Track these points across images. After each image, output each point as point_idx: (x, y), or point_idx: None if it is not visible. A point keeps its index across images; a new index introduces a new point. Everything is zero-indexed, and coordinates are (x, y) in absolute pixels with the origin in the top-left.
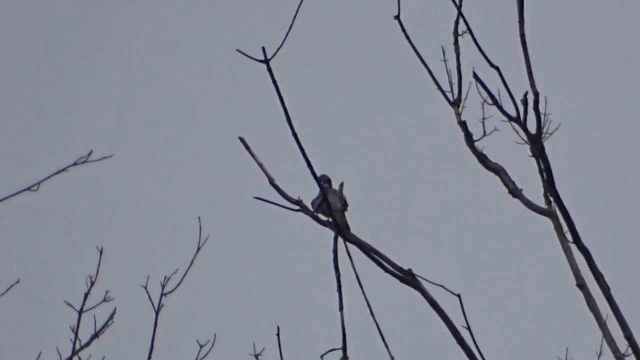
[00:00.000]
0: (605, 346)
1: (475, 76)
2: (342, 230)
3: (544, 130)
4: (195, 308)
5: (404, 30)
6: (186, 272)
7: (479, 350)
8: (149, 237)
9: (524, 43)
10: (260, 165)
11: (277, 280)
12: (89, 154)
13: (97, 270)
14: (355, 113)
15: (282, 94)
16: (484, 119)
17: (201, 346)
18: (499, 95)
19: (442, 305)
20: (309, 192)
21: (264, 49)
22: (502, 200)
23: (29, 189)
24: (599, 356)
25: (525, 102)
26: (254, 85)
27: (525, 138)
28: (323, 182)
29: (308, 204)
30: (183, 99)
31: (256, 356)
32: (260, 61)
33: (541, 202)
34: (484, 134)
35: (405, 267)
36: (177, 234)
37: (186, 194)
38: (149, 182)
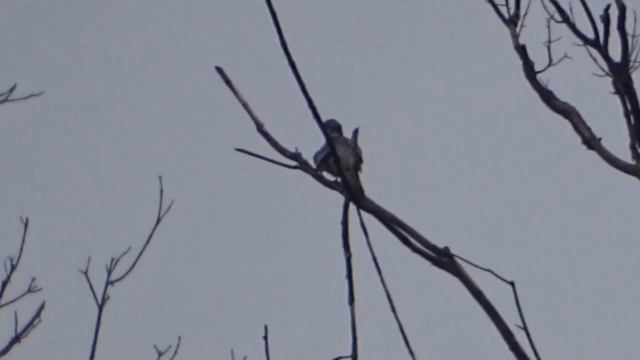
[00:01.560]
0: None
1: None
2: (355, 194)
3: (632, 58)
4: (152, 301)
5: None
6: (141, 253)
7: (538, 358)
8: (89, 204)
9: None
10: (245, 105)
11: (265, 263)
12: (12, 90)
13: (21, 250)
14: (373, 34)
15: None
16: (549, 42)
17: (160, 353)
18: (570, 10)
19: (490, 297)
20: (311, 144)
21: None
22: (574, 152)
23: None
24: None
25: (606, 19)
26: None
27: (607, 68)
28: (330, 128)
29: (309, 158)
30: (139, 15)
31: None
32: None
33: (627, 156)
34: (550, 63)
35: (440, 245)
36: (130, 199)
37: (142, 144)
38: (92, 127)
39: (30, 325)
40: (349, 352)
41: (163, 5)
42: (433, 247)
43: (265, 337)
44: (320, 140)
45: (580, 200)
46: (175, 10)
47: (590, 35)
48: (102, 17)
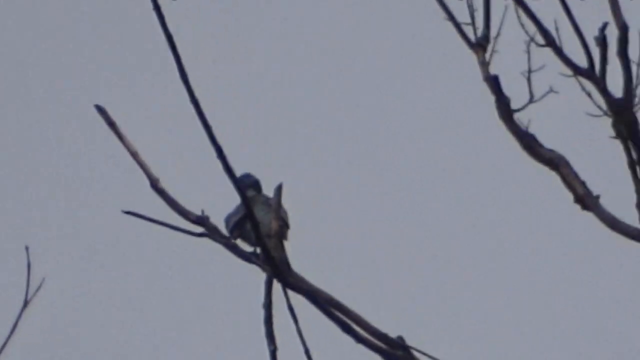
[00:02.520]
0: None
1: None
2: (279, 269)
3: (637, 93)
4: None
5: None
6: (4, 345)
7: None
8: None
9: None
10: (134, 154)
11: (164, 355)
12: None
13: None
14: (301, 61)
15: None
16: (530, 72)
17: None
18: (556, 30)
19: None
20: (222, 205)
21: None
22: (565, 214)
23: None
24: None
25: (603, 42)
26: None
27: (604, 106)
28: (246, 185)
29: (219, 223)
30: None
31: None
32: None
33: (632, 218)
34: (531, 99)
35: (393, 334)
36: None
37: (3, 203)
38: None
39: None
40: None
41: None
42: (383, 337)
43: None
44: (234, 200)
45: (571, 273)
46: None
47: (583, 63)
48: None
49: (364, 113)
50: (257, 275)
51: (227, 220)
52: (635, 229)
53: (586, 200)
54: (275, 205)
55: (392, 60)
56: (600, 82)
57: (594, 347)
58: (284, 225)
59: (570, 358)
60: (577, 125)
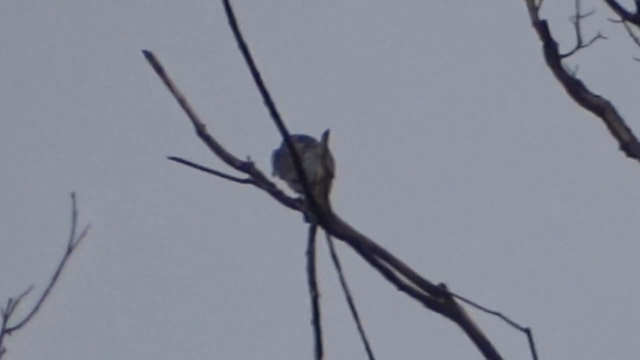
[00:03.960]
0: None
1: None
2: (324, 216)
3: None
4: (60, 355)
5: None
6: (46, 293)
7: None
8: None
9: None
10: (182, 101)
11: (207, 305)
12: None
13: None
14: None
15: None
16: (578, 17)
17: None
18: None
19: (498, 348)
20: (267, 152)
21: None
22: (609, 160)
23: None
24: None
25: None
26: None
27: None
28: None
29: (264, 169)
30: None
31: None
32: None
33: None
34: (579, 45)
35: (435, 282)
36: (32, 222)
37: (47, 151)
38: None
39: None
40: None
41: None
42: (426, 284)
43: None
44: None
45: (616, 223)
46: None
47: (632, 8)
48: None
49: (407, 59)
50: (301, 222)
51: (275, 159)
52: None
53: (632, 146)
54: (323, 150)
55: (440, 7)
56: None
57: None
58: (329, 175)
59: (623, 313)
60: (624, 71)
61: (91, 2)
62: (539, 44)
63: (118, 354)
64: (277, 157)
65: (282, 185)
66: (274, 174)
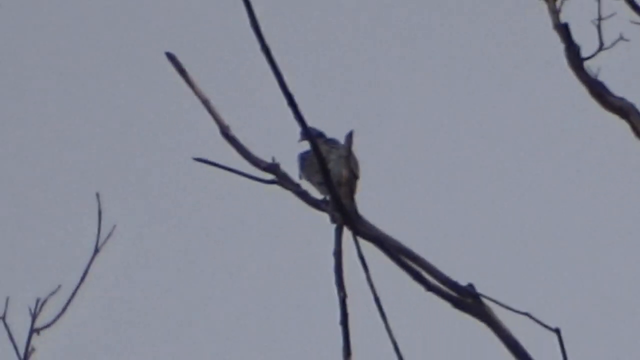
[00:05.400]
0: None
1: None
2: (350, 217)
3: None
4: (88, 355)
5: None
6: (74, 293)
7: None
8: (6, 229)
9: None
10: (206, 102)
11: (235, 305)
12: None
13: None
14: (371, 15)
15: None
16: (600, 19)
17: None
18: None
19: (528, 349)
20: (290, 153)
21: None
22: (634, 163)
23: None
24: None
25: None
26: None
27: None
28: (314, 135)
29: (289, 170)
30: None
31: None
32: None
33: None
34: (601, 47)
35: (463, 282)
36: (58, 222)
37: (72, 151)
38: (6, 129)
39: None
40: None
41: None
42: (454, 285)
43: None
44: (304, 149)
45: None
46: None
47: None
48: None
49: (431, 61)
50: (327, 223)
51: (301, 161)
52: None
53: None
54: (346, 153)
55: (463, 10)
56: None
57: None
58: (354, 176)
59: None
60: None
61: (115, 5)
62: (561, 47)
63: (144, 355)
64: (303, 160)
65: (307, 186)
66: (300, 177)
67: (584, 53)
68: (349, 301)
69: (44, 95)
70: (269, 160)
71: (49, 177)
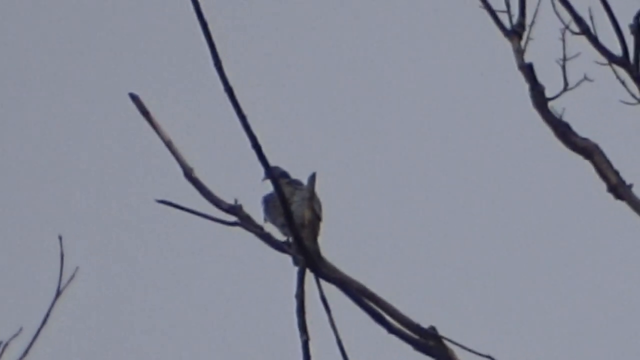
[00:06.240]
0: None
1: None
2: (313, 258)
3: None
4: None
5: None
6: (36, 336)
7: None
8: None
9: None
10: (168, 144)
11: (197, 349)
12: None
13: None
14: (333, 50)
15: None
16: (564, 60)
17: None
18: (591, 19)
19: None
20: (253, 195)
21: None
22: (597, 202)
23: None
24: None
25: (637, 29)
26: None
27: (639, 94)
28: (277, 176)
29: (251, 212)
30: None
31: None
32: None
33: None
34: (566, 87)
35: (425, 325)
36: (21, 266)
37: (37, 194)
38: None
39: None
40: None
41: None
42: (416, 327)
43: None
44: (267, 190)
45: (605, 263)
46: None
47: (618, 51)
48: None
49: (395, 102)
50: (289, 265)
51: (266, 202)
52: None
53: (619, 189)
54: (309, 195)
55: (426, 47)
56: (634, 70)
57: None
58: (316, 218)
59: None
60: (611, 113)
61: (80, 42)
62: (525, 87)
63: None
64: (267, 202)
65: (270, 228)
66: (265, 220)
67: (549, 93)
68: (311, 344)
69: (6, 136)
70: (231, 201)
71: (10, 219)
